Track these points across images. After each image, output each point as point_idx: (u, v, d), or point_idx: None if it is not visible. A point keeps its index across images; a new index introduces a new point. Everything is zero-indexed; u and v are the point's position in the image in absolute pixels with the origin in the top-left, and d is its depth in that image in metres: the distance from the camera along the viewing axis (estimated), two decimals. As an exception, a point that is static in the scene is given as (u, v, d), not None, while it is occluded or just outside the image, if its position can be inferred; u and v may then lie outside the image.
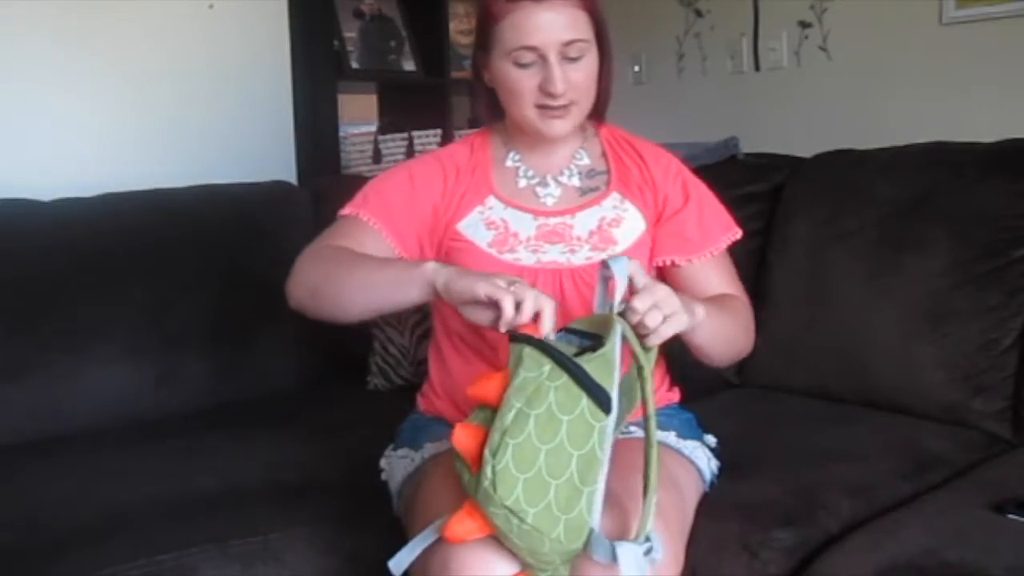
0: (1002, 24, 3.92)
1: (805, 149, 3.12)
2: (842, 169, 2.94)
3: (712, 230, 2.20)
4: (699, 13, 5.00)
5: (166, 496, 2.30)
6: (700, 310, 1.86)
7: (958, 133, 2.84)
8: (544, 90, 2.01)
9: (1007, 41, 3.92)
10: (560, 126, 2.06)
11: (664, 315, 1.72)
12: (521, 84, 2.03)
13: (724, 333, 2.07)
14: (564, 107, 2.04)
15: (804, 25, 4.59)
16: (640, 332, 1.71)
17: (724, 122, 4.14)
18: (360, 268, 2.00)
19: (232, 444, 2.66)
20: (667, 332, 1.73)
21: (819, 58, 4.56)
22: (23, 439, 2.67)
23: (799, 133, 4.27)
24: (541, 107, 2.04)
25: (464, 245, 2.12)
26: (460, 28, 4.80)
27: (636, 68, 5.23)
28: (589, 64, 2.05)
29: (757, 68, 4.79)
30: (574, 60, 2.01)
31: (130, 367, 2.90)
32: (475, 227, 2.13)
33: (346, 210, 2.17)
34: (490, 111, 2.20)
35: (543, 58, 1.99)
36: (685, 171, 2.25)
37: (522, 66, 2.01)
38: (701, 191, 2.23)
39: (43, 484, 2.43)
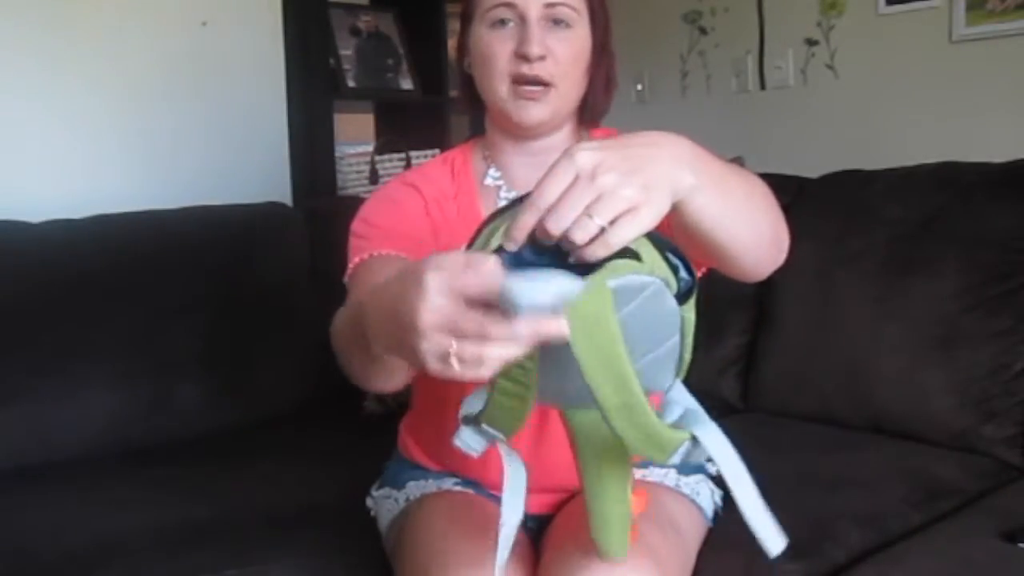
0: (1013, 42, 3.91)
1: (812, 169, 3.09)
2: (850, 190, 2.92)
3: None
4: (703, 31, 4.99)
5: (158, 525, 2.26)
6: (686, 172, 1.26)
7: (968, 153, 2.81)
8: (519, 53, 1.83)
9: (1018, 59, 3.90)
10: (535, 111, 1.88)
11: (594, 201, 1.17)
12: (495, 49, 1.86)
13: (739, 201, 1.43)
14: (542, 85, 1.86)
15: (811, 43, 4.58)
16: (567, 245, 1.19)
17: (729, 142, 4.11)
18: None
19: (226, 472, 2.63)
20: (623, 233, 1.17)
21: (826, 76, 4.55)
22: (12, 465, 2.63)
23: (806, 153, 4.28)
24: (516, 81, 1.87)
25: None
26: (459, 46, 4.75)
27: (639, 87, 5.22)
28: (576, 39, 1.88)
29: (763, 87, 4.78)
30: (558, 28, 1.86)
31: (122, 392, 2.86)
32: None
33: (350, 264, 1.93)
34: (469, 100, 2.03)
35: (522, 19, 1.84)
36: None
37: (498, 28, 1.86)
38: None
39: (32, 512, 2.39)
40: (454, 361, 1.09)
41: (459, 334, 1.07)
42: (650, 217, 1.18)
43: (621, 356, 1.16)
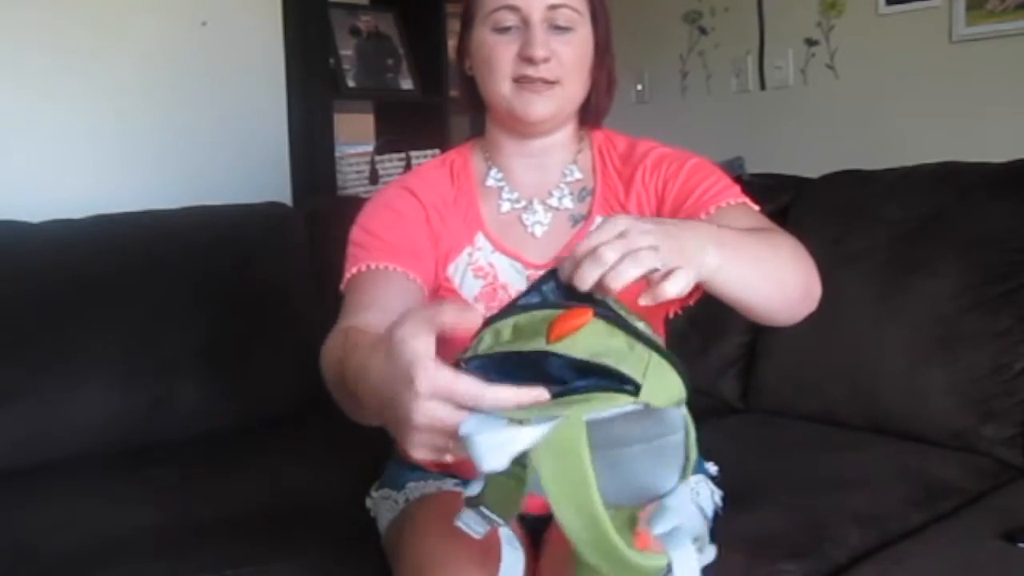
0: (1013, 41, 3.91)
1: (812, 169, 3.09)
2: (850, 190, 2.92)
3: (716, 184, 1.91)
4: (703, 31, 4.99)
5: (158, 524, 2.26)
6: (711, 253, 1.41)
7: (968, 153, 2.81)
8: (523, 56, 1.84)
9: (1018, 59, 3.90)
10: (539, 106, 1.87)
11: (626, 250, 1.27)
12: (498, 51, 1.86)
13: (763, 269, 1.58)
14: (545, 83, 1.86)
15: (811, 43, 4.58)
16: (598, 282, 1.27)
17: (729, 142, 4.12)
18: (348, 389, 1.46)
19: (227, 471, 2.62)
20: (627, 272, 1.26)
21: (826, 76, 4.55)
22: (11, 465, 2.62)
23: (806, 153, 4.28)
24: (519, 80, 1.87)
25: (452, 296, 1.94)
26: (459, 46, 4.76)
27: (639, 87, 5.21)
28: (579, 40, 1.89)
29: (763, 86, 4.78)
30: (562, 31, 1.86)
31: (122, 392, 2.85)
32: (464, 272, 1.95)
33: (347, 274, 1.92)
34: (470, 102, 2.03)
35: (525, 22, 1.84)
36: (670, 154, 1.98)
37: (501, 31, 1.85)
38: (695, 163, 1.96)
39: (32, 511, 2.39)
40: (448, 457, 1.17)
41: (452, 434, 1.12)
42: (685, 282, 1.32)
43: (591, 496, 1.13)
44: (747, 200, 1.89)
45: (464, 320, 1.17)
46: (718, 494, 2.06)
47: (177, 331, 2.99)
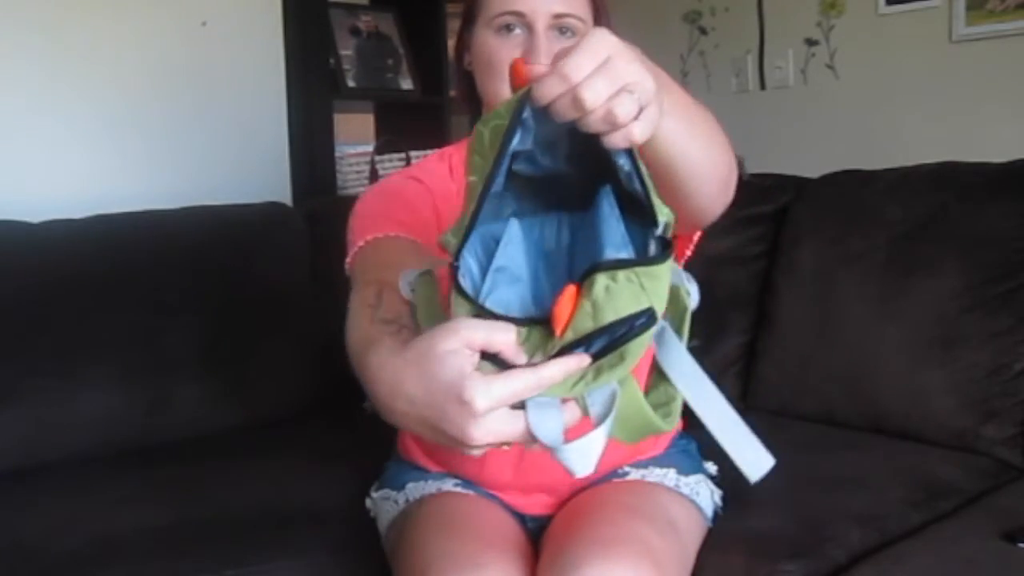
0: (1013, 41, 3.91)
1: (812, 169, 3.08)
2: (850, 190, 2.91)
3: None
4: (703, 31, 4.99)
5: (158, 525, 2.25)
6: (663, 94, 1.19)
7: (968, 153, 2.80)
8: None
9: (1018, 59, 3.90)
10: None
11: (620, 87, 1.08)
12: (500, 55, 1.82)
13: (693, 128, 1.42)
14: None
15: (811, 43, 4.58)
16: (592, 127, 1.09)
17: (729, 142, 4.10)
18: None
19: (226, 471, 2.62)
20: (645, 128, 1.11)
21: (826, 76, 4.55)
22: (11, 465, 2.62)
23: (806, 153, 4.27)
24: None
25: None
26: (458, 46, 4.76)
27: (639, 87, 5.20)
28: None
29: (763, 86, 4.78)
30: (565, 37, 1.83)
31: (121, 392, 2.84)
32: None
33: (357, 243, 1.84)
34: (467, 98, 2.02)
35: (529, 28, 1.82)
36: None
37: (504, 34, 1.83)
38: None
39: (31, 511, 2.39)
40: (503, 447, 1.15)
41: (511, 434, 1.11)
42: (654, 122, 1.12)
43: (657, 426, 1.20)
44: None
45: (495, 339, 1.10)
46: (718, 494, 2.06)
47: (177, 331, 2.98)
